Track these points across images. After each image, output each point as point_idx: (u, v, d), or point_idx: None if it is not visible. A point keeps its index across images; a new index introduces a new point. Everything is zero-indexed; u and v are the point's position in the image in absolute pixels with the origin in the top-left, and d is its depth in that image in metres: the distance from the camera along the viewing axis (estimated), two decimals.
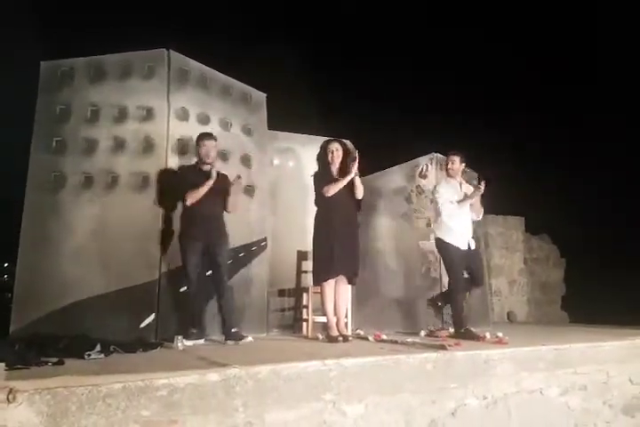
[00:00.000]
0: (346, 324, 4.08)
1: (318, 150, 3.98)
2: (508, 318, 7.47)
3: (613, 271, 8.43)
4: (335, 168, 3.91)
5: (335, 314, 3.84)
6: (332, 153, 3.89)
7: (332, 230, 3.76)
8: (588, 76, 9.09)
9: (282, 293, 4.62)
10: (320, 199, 3.86)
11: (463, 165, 4.57)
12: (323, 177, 3.86)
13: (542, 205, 8.22)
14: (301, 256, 4.71)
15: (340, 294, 3.88)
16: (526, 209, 8.06)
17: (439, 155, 5.71)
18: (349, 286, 4.02)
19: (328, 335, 3.76)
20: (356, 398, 2.54)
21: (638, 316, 5.61)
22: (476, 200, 4.52)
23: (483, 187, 4.36)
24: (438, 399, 2.81)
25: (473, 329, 4.22)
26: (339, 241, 3.74)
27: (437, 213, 4.55)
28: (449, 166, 4.56)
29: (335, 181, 3.80)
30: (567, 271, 8.87)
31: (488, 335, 4.04)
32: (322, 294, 3.81)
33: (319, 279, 3.80)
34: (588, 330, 5.19)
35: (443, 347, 3.12)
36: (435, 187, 4.73)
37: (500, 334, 4.02)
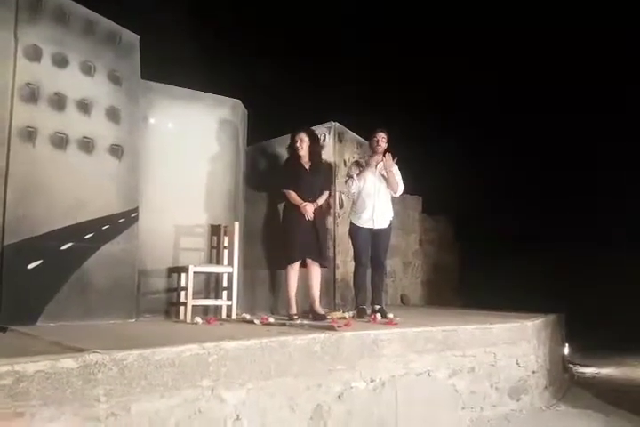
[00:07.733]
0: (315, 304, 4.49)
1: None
2: (402, 300, 8.00)
3: (504, 256, 9.39)
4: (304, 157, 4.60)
5: (311, 296, 4.47)
6: (299, 142, 4.56)
7: (299, 217, 4.43)
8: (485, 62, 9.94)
9: (158, 272, 4.50)
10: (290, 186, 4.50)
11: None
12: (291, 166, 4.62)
13: (440, 185, 8.81)
14: (213, 230, 4.76)
15: (313, 277, 4.50)
16: (424, 189, 8.55)
17: (337, 124, 5.87)
18: (320, 270, 4.58)
19: (288, 314, 4.36)
20: (238, 383, 2.61)
21: (527, 300, 6.33)
22: (390, 175, 4.77)
23: (389, 158, 4.68)
24: (325, 382, 2.98)
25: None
26: (304, 227, 4.42)
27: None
28: (379, 144, 4.79)
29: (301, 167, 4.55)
30: (460, 255, 9.69)
31: (379, 316, 4.32)
32: (285, 277, 4.52)
33: (285, 263, 4.47)
34: (477, 313, 5.65)
35: (331, 328, 3.30)
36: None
37: (390, 315, 4.33)
